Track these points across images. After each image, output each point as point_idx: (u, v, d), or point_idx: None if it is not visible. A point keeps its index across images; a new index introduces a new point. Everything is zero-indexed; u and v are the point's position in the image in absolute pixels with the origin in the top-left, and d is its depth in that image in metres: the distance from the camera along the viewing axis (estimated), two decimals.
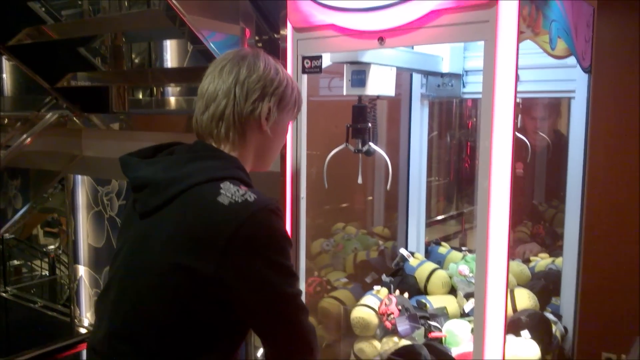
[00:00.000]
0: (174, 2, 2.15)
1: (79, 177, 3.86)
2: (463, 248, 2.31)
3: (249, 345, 2.45)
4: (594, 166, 1.95)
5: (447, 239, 2.60)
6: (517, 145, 1.28)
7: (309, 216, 1.78)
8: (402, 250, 2.21)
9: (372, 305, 1.90)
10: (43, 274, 5.67)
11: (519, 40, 1.24)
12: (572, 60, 1.67)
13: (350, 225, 2.41)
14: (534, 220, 2.42)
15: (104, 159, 3.32)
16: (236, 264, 1.13)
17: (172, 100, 3.30)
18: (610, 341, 2.50)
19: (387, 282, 2.08)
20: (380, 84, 1.69)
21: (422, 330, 1.80)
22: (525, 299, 1.85)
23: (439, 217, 2.79)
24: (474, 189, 1.95)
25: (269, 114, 1.30)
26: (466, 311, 1.91)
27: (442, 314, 1.91)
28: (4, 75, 5.00)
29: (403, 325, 1.79)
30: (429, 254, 2.31)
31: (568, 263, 1.96)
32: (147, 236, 1.21)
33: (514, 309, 1.82)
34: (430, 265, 2.11)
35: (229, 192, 1.15)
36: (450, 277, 2.06)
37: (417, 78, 2.25)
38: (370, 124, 1.74)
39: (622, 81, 2.24)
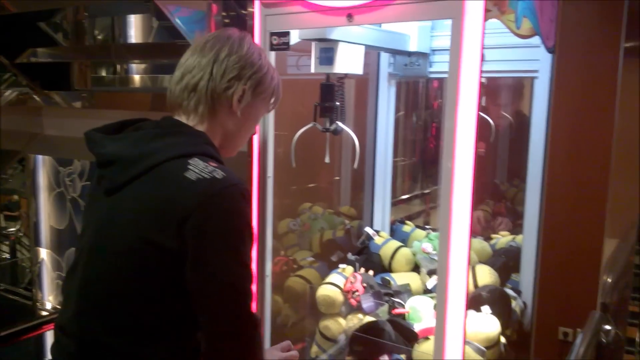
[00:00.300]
0: None
1: (40, 157, 3.76)
2: (427, 226, 2.35)
3: None
4: (555, 146, 2.00)
5: (411, 218, 2.64)
6: (481, 124, 1.29)
7: (276, 196, 1.78)
8: (368, 229, 2.24)
9: (338, 283, 1.92)
10: (3, 256, 5.53)
11: (485, 19, 1.25)
12: (536, 40, 1.70)
13: (317, 205, 2.42)
14: (496, 199, 2.47)
15: (66, 138, 3.23)
16: (195, 240, 1.11)
17: (137, 78, 3.22)
18: (567, 316, 2.58)
19: (352, 260, 2.10)
20: (349, 62, 1.69)
21: (386, 307, 1.83)
22: (486, 276, 1.90)
23: (404, 197, 2.82)
24: (438, 169, 1.97)
25: (242, 96, 1.30)
26: (429, 288, 1.95)
27: (406, 291, 1.94)
28: None
29: (367, 302, 1.82)
30: (393, 233, 2.34)
31: (528, 240, 2.01)
32: (113, 213, 1.20)
33: (475, 285, 1.87)
34: (394, 244, 2.14)
35: (197, 167, 1.15)
36: (414, 255, 2.09)
37: (384, 57, 2.26)
38: (338, 103, 1.74)
39: (586, 62, 2.28)
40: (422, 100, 2.75)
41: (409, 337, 1.72)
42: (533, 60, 1.90)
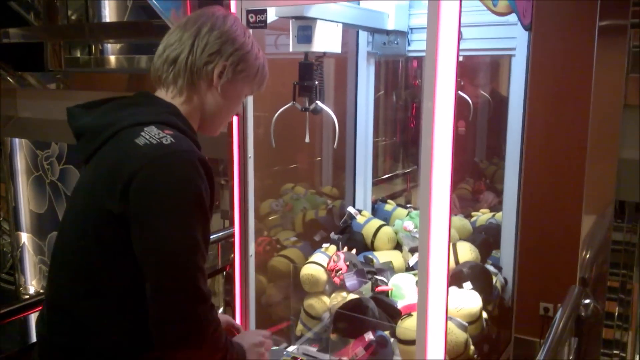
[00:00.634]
0: None
1: (17, 141, 3.70)
2: (408, 205, 2.37)
3: None
4: (533, 124, 2.01)
5: (393, 197, 2.65)
6: (459, 103, 1.30)
7: (258, 177, 1.78)
8: (350, 209, 2.25)
9: (321, 262, 1.93)
10: None
11: None
12: (513, 17, 1.70)
13: (299, 186, 2.42)
14: (475, 177, 2.49)
15: (42, 120, 3.18)
16: (135, 205, 1.09)
17: (112, 58, 3.17)
18: (547, 292, 2.63)
19: (335, 239, 2.11)
20: (327, 40, 1.68)
21: (369, 284, 1.84)
22: (467, 252, 1.92)
23: (385, 176, 2.83)
24: (419, 149, 1.98)
25: (223, 72, 1.28)
26: (411, 265, 1.97)
27: (388, 269, 1.96)
28: None
29: (351, 281, 1.83)
30: (375, 212, 2.35)
31: (508, 218, 2.04)
32: (79, 183, 1.24)
33: (457, 262, 1.89)
34: (376, 222, 2.15)
35: (149, 134, 1.13)
36: (396, 233, 2.11)
37: (363, 36, 2.24)
38: (317, 82, 1.73)
39: (562, 39, 2.29)
40: (402, 79, 2.74)
41: (392, 314, 1.74)
42: (510, 38, 1.90)
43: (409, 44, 2.14)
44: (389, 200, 2.40)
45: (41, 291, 3.78)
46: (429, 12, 1.26)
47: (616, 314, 2.58)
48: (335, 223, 2.29)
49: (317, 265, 1.93)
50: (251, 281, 1.81)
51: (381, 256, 2.03)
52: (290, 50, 1.70)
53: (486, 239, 2.07)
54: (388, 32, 2.11)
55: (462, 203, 2.40)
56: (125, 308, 1.18)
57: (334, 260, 1.88)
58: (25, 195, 3.81)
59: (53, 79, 3.07)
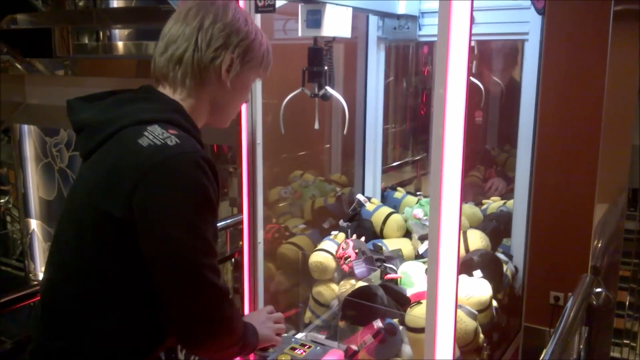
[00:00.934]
0: None
1: (26, 128, 3.71)
2: (418, 193, 2.35)
3: None
4: (545, 110, 1.99)
5: (402, 184, 2.64)
6: (471, 90, 1.27)
7: (266, 164, 1.77)
8: (359, 196, 2.23)
9: (330, 249, 1.93)
10: None
11: None
12: (526, 1, 1.67)
13: (307, 173, 2.41)
14: (487, 165, 2.47)
15: (50, 106, 3.18)
16: (141, 209, 1.07)
17: (120, 44, 3.16)
18: (558, 280, 2.62)
19: (344, 227, 2.10)
20: (336, 24, 1.65)
21: (378, 272, 1.83)
22: (478, 240, 1.90)
23: (395, 164, 2.82)
24: (429, 137, 1.96)
25: (231, 66, 1.25)
26: (420, 253, 1.96)
27: (398, 256, 1.95)
28: None
29: (360, 268, 1.82)
30: (384, 199, 2.34)
31: (519, 205, 2.02)
32: (79, 179, 1.21)
33: (467, 250, 1.87)
34: (386, 210, 2.14)
35: (153, 134, 1.10)
36: (405, 221, 2.09)
37: (373, 20, 2.21)
38: (326, 67, 1.71)
39: (576, 24, 2.26)
40: (412, 65, 2.72)
41: (402, 302, 1.73)
42: (523, 22, 1.87)
43: (419, 29, 2.11)
44: (398, 188, 2.39)
45: None
46: None
47: (627, 303, 2.56)
48: (345, 210, 2.28)
49: (326, 252, 1.92)
50: (260, 268, 1.80)
51: (390, 244, 2.02)
52: (300, 35, 1.68)
53: (497, 227, 2.06)
54: (399, 17, 2.08)
55: (473, 190, 2.38)
56: (122, 310, 1.16)
57: (342, 248, 1.87)
58: (34, 182, 3.83)
59: (61, 65, 3.06)
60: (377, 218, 2.12)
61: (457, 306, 1.34)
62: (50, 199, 3.78)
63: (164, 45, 1.24)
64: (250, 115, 1.69)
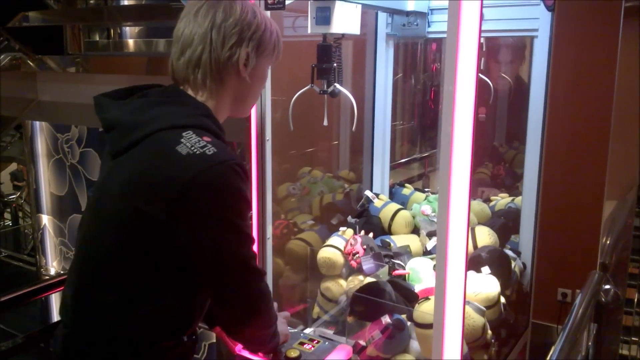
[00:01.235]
0: None
1: (37, 124, 3.74)
2: (426, 189, 2.35)
3: None
4: (554, 106, 1.98)
5: (410, 181, 2.64)
6: (480, 86, 1.27)
7: (275, 161, 1.77)
8: (367, 192, 2.24)
9: (338, 245, 1.93)
10: (6, 224, 5.56)
11: None
12: None
13: (316, 169, 2.42)
14: (495, 161, 2.46)
15: (61, 103, 3.20)
16: (185, 216, 1.12)
17: (131, 42, 3.17)
18: (566, 277, 2.61)
19: (352, 223, 2.10)
20: (345, 21, 1.66)
21: (386, 268, 1.84)
22: (486, 237, 1.90)
23: (403, 160, 2.82)
24: (437, 133, 1.96)
25: (248, 60, 1.27)
26: (428, 249, 1.96)
27: (406, 253, 1.96)
28: None
29: (368, 264, 1.83)
30: (393, 196, 2.35)
31: (527, 202, 2.02)
32: (111, 177, 1.22)
33: (475, 246, 1.88)
34: (394, 206, 2.14)
35: (190, 142, 1.13)
36: (414, 217, 2.10)
37: (382, 17, 2.22)
38: (335, 64, 1.71)
39: (586, 20, 2.24)
40: (421, 62, 2.72)
41: (410, 298, 1.73)
42: (532, 19, 1.86)
43: (428, 26, 2.11)
44: (406, 184, 2.40)
45: (61, 272, 3.84)
46: None
47: (636, 300, 2.55)
48: (353, 207, 2.29)
49: (334, 248, 1.93)
50: (268, 264, 1.82)
51: (398, 240, 2.02)
52: (309, 32, 1.68)
53: (505, 224, 2.05)
54: (408, 13, 2.08)
55: (481, 187, 2.38)
56: (152, 305, 1.21)
57: (351, 244, 1.88)
58: (46, 178, 3.86)
59: (72, 62, 3.09)
60: (385, 214, 2.13)
61: (465, 302, 1.34)
62: (61, 195, 3.81)
63: (180, 50, 1.25)
64: (260, 112, 1.70)
